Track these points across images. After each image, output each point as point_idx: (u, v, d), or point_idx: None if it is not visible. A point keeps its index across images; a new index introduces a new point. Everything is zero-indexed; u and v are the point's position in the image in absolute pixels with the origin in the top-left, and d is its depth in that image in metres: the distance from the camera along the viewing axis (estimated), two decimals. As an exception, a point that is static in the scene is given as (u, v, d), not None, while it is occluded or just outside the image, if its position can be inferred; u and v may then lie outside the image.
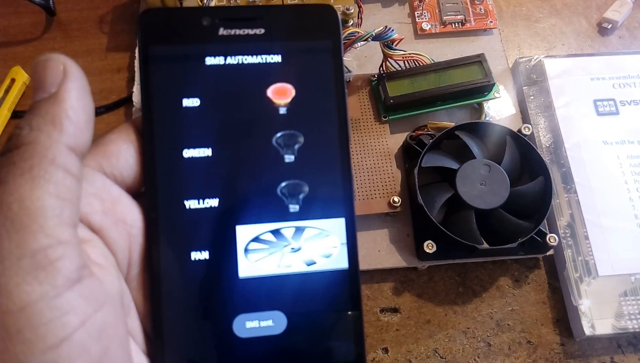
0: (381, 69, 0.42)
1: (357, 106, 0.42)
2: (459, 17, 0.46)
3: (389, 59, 0.41)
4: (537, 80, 0.44)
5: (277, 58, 0.21)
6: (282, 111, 0.21)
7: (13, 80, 0.43)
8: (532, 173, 0.38)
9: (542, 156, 0.37)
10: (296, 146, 0.21)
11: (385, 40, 0.40)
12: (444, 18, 0.46)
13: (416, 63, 0.41)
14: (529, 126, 0.39)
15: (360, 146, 0.40)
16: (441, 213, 0.37)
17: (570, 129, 0.41)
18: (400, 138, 0.40)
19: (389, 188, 0.38)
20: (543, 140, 0.41)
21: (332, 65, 0.22)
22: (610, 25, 0.48)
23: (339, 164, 0.21)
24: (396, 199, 0.37)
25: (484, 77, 0.41)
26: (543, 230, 0.36)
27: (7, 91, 0.43)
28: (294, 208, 0.21)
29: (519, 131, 0.39)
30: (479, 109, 0.42)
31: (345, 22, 0.45)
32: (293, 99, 0.21)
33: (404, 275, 0.38)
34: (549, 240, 0.35)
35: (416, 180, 0.36)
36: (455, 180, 0.36)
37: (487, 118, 0.42)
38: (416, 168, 0.36)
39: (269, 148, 0.21)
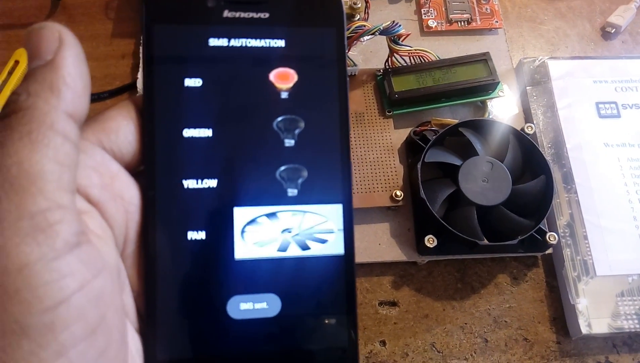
0: (387, 64, 0.42)
1: (362, 100, 0.42)
2: (464, 15, 0.46)
3: (395, 54, 0.41)
4: (541, 81, 0.44)
5: (280, 43, 0.21)
6: (284, 95, 0.21)
7: (17, 62, 0.43)
8: (533, 172, 0.38)
9: (544, 155, 0.37)
10: (296, 131, 0.21)
11: (392, 35, 0.40)
12: (450, 16, 0.46)
13: (422, 59, 0.42)
14: (532, 125, 0.39)
15: (364, 139, 0.40)
16: (443, 208, 0.37)
17: (572, 130, 0.42)
18: (403, 133, 0.41)
19: (391, 181, 0.39)
20: (545, 140, 0.42)
21: (334, 53, 0.22)
22: (614, 29, 0.48)
23: (338, 151, 0.21)
24: (398, 193, 0.37)
25: (488, 76, 0.41)
26: (543, 228, 0.36)
27: (10, 73, 0.43)
28: (292, 192, 0.21)
29: (522, 130, 0.39)
30: (483, 107, 0.43)
31: (352, 16, 0.45)
32: (295, 84, 0.21)
33: (404, 269, 0.38)
34: (549, 238, 0.36)
35: (419, 174, 0.36)
36: (458, 176, 0.36)
37: (490, 116, 0.42)
38: (419, 163, 0.36)
39: (269, 131, 0.21)
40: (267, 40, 0.21)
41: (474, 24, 0.46)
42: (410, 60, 0.42)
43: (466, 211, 0.36)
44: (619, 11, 0.49)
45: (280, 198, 0.21)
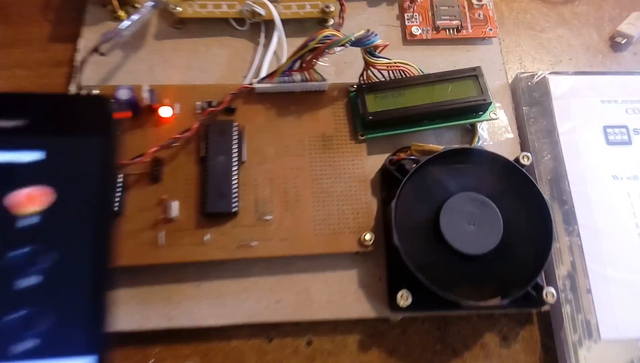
0: (361, 78, 0.37)
1: (331, 120, 0.36)
2: (454, 22, 0.41)
3: (370, 67, 0.36)
4: (540, 100, 0.39)
5: (38, 155, 0.19)
6: (25, 222, 0.18)
7: None
8: (529, 212, 0.32)
9: (542, 192, 0.32)
10: (41, 266, 0.18)
11: (366, 46, 0.35)
12: (437, 23, 0.41)
13: (402, 74, 0.37)
14: (529, 154, 0.34)
15: (331, 168, 0.34)
16: (420, 256, 0.31)
17: (575, 160, 0.37)
18: (378, 161, 0.35)
19: (361, 220, 0.33)
20: (543, 172, 0.36)
21: (97, 170, 0.18)
22: (625, 40, 0.44)
23: (90, 290, 0.18)
24: (368, 236, 0.32)
25: (479, 95, 0.36)
26: (539, 282, 0.31)
27: None
28: (26, 344, 0.17)
29: (517, 160, 0.34)
30: (472, 131, 0.38)
31: (324, 21, 0.41)
32: (48, 207, 0.18)
33: (373, 327, 0.33)
34: (546, 295, 0.30)
35: (393, 217, 0.30)
36: (440, 217, 0.31)
37: (480, 142, 0.37)
38: (394, 201, 0.31)
39: None
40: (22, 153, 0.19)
41: (464, 32, 0.41)
42: (388, 74, 0.37)
43: (448, 261, 0.30)
44: (630, 19, 0.45)
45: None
